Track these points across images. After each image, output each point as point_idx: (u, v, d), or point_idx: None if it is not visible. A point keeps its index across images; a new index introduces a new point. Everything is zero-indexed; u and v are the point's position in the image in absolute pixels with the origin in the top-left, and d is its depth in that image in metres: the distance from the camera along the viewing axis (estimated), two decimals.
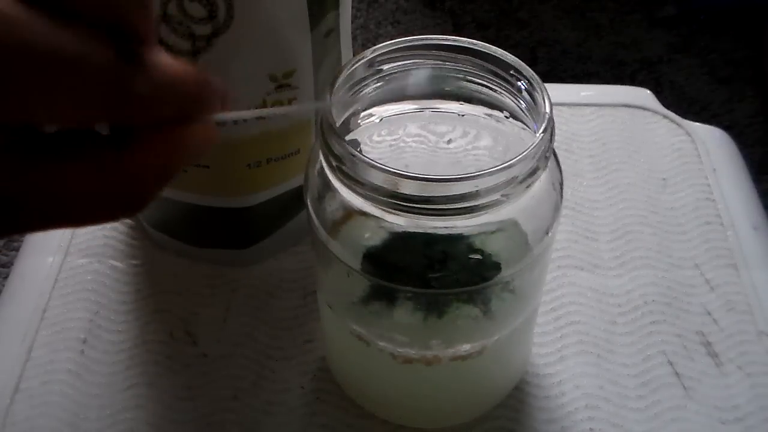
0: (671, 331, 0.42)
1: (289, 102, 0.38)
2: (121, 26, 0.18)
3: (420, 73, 0.32)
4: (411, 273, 0.31)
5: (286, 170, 0.41)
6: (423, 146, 0.36)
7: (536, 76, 0.30)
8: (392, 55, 0.32)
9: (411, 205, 0.27)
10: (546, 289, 0.43)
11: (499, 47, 0.31)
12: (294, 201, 0.42)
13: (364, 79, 0.32)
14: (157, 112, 0.19)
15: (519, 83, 0.31)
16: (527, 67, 0.31)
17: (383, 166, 0.27)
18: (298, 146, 0.40)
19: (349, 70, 0.31)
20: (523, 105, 0.31)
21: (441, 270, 0.31)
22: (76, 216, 0.19)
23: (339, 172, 0.28)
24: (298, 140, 0.40)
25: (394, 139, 0.36)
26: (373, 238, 0.31)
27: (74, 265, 0.45)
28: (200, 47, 0.35)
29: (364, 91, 0.32)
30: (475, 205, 0.27)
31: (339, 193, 0.30)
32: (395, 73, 0.33)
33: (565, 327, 0.42)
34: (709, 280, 0.44)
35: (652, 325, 0.42)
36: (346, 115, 0.32)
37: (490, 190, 0.27)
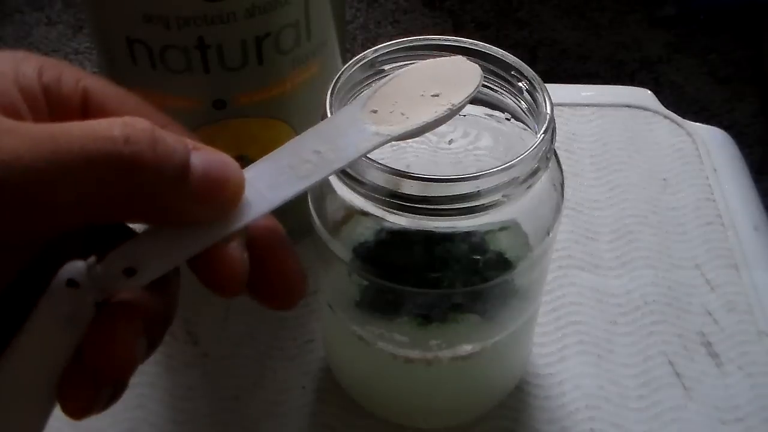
0: (672, 331, 0.42)
1: None
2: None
3: None
4: (411, 273, 0.31)
5: None
6: (424, 146, 0.36)
7: (537, 76, 0.30)
8: (393, 55, 0.32)
9: (412, 205, 0.27)
10: (546, 289, 0.42)
11: (499, 47, 0.31)
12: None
13: (365, 79, 0.32)
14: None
15: (520, 84, 0.31)
16: (528, 68, 0.31)
17: (385, 166, 0.27)
18: None
19: (350, 71, 0.31)
20: (524, 105, 0.31)
21: (441, 270, 0.31)
22: None
23: (340, 171, 0.28)
24: None
25: None
26: (374, 238, 0.31)
27: None
28: None
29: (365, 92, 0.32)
30: (476, 206, 0.27)
31: (340, 193, 0.30)
32: None
33: (565, 327, 0.42)
34: (710, 281, 0.44)
35: (652, 325, 0.42)
36: None
37: (491, 191, 0.27)
